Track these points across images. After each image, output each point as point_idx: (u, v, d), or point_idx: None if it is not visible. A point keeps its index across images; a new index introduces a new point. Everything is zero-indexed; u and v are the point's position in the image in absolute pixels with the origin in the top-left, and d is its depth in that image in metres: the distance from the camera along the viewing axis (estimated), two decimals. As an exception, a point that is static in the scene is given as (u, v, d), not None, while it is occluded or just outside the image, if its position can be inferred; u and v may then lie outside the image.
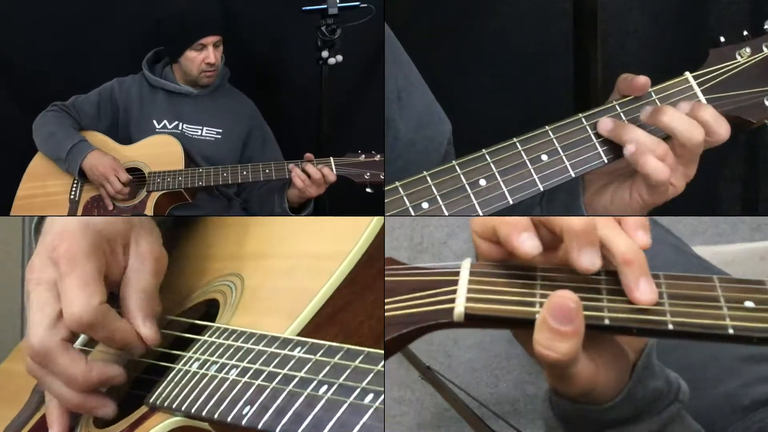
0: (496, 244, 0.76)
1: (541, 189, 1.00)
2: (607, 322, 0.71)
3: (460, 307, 0.73)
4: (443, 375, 1.76)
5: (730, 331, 0.69)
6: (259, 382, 0.80)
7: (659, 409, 0.81)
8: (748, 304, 0.70)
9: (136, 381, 1.02)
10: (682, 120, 1.00)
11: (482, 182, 0.98)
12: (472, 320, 0.73)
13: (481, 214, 0.96)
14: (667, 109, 1.01)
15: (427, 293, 0.75)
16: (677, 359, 1.14)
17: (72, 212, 1.98)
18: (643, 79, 1.05)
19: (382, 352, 0.73)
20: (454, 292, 0.74)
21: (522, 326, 0.73)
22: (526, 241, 0.74)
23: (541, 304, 0.72)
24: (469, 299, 0.73)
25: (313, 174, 1.85)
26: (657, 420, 0.81)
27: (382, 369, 0.70)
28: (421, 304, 0.75)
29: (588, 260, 0.72)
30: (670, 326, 0.70)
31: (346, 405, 0.69)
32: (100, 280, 0.91)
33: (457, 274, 0.76)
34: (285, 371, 0.78)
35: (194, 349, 0.93)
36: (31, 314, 0.92)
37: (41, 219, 1.02)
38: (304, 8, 2.06)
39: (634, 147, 1.00)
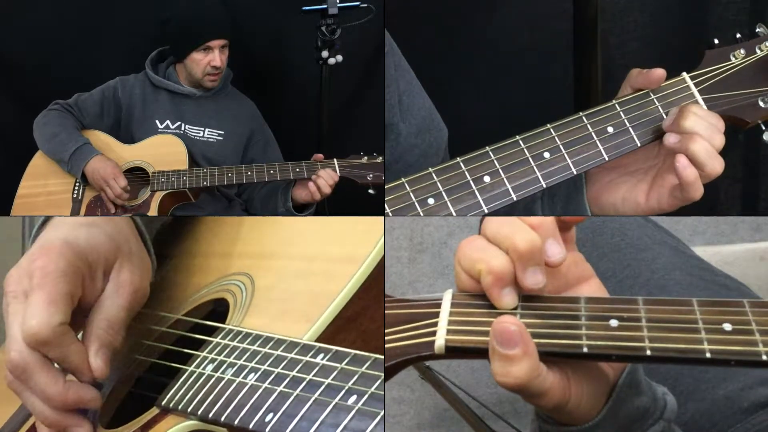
0: (477, 282, 0.77)
1: (544, 186, 1.00)
2: (585, 350, 0.72)
3: (440, 340, 0.74)
4: (443, 375, 1.76)
5: (708, 355, 0.70)
6: (281, 388, 0.78)
7: (644, 428, 0.81)
8: (726, 326, 0.71)
9: (139, 380, 1.01)
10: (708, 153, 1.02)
11: (486, 179, 0.98)
12: (453, 352, 0.75)
13: (486, 210, 0.97)
14: (696, 138, 1.02)
15: (411, 326, 0.77)
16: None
17: (75, 212, 1.98)
18: (659, 72, 1.06)
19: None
20: (436, 324, 0.76)
21: None
22: (506, 297, 0.76)
23: None
24: (449, 331, 0.75)
25: (328, 183, 1.86)
26: None
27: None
28: (405, 338, 0.76)
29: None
30: (648, 352, 0.71)
31: (379, 417, 0.69)
32: (68, 302, 0.89)
33: (438, 306, 0.78)
34: (310, 377, 0.77)
35: (207, 350, 0.91)
36: (9, 327, 0.90)
37: (39, 230, 1.01)
38: (304, 8, 2.06)
39: (686, 160, 1.01)
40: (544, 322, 0.75)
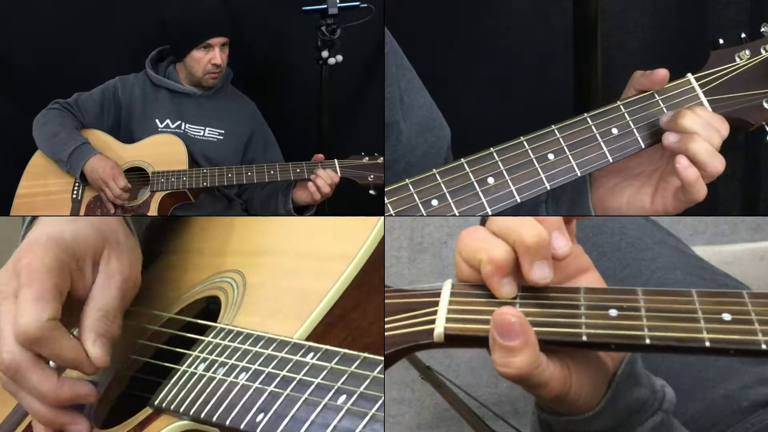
0: (477, 271, 0.78)
1: (548, 187, 1.00)
2: (584, 338, 0.72)
3: (439, 328, 0.75)
4: (443, 375, 1.76)
5: (707, 344, 0.70)
6: (272, 388, 0.78)
7: (643, 419, 0.81)
8: (725, 316, 0.71)
9: (133, 379, 1.01)
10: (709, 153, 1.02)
11: (490, 180, 0.98)
12: (452, 340, 0.75)
13: (489, 212, 0.96)
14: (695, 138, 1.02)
15: (410, 314, 0.77)
16: (678, 360, 1.14)
17: (74, 212, 1.98)
18: (662, 73, 1.06)
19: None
20: (435, 313, 0.76)
21: None
22: (505, 286, 0.76)
23: None
24: (449, 320, 0.75)
25: (327, 183, 1.86)
26: (640, 430, 0.81)
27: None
28: (404, 326, 0.76)
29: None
30: (647, 340, 0.71)
31: (368, 417, 0.69)
32: (56, 297, 0.89)
33: (438, 295, 0.78)
34: (300, 377, 0.77)
35: (199, 349, 0.91)
36: (1, 329, 0.89)
37: (27, 229, 1.00)
38: (304, 8, 2.06)
39: (686, 161, 1.01)
40: (543, 311, 0.75)
